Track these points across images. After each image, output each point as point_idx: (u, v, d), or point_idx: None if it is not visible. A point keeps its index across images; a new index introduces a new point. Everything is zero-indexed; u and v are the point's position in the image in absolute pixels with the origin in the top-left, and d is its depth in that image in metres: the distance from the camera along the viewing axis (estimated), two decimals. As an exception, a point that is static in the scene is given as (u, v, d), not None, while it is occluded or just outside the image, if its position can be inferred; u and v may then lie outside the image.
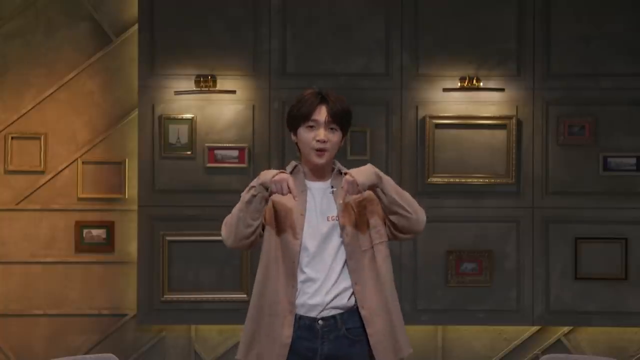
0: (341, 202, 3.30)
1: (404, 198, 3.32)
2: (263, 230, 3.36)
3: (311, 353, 3.32)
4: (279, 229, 3.36)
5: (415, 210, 3.33)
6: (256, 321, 3.36)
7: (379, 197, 3.29)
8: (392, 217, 3.31)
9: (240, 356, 3.39)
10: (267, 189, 3.24)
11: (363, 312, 3.33)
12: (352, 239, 3.34)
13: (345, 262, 3.34)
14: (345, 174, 3.28)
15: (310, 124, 3.34)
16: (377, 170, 3.29)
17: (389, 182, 3.29)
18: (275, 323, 3.32)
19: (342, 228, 3.34)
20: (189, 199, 5.84)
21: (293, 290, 3.32)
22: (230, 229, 3.32)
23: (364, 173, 3.25)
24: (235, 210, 3.32)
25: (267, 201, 3.28)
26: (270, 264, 3.35)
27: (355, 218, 3.36)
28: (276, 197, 3.34)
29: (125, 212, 6.00)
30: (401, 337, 3.38)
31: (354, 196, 3.31)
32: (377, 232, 3.37)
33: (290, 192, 3.23)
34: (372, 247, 3.35)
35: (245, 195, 3.28)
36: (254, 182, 3.28)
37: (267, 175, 3.26)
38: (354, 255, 3.34)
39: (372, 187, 3.26)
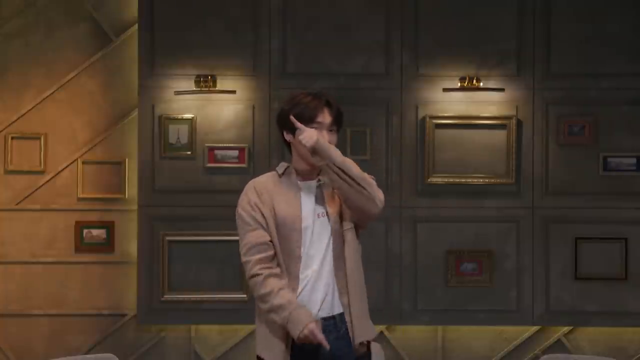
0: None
1: (357, 174, 3.32)
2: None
3: (313, 354, 3.34)
4: (280, 234, 3.38)
5: (369, 186, 3.33)
6: (263, 321, 3.40)
7: (329, 168, 3.31)
8: (342, 191, 3.33)
9: (258, 352, 3.44)
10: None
11: (343, 300, 3.37)
12: (338, 227, 3.39)
13: (335, 251, 3.38)
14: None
15: (314, 125, 3.37)
16: (331, 146, 3.33)
17: (338, 155, 3.32)
18: (277, 324, 3.34)
19: (330, 219, 3.38)
20: (189, 199, 5.84)
21: (294, 292, 3.34)
22: (256, 294, 3.36)
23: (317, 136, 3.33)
24: (267, 308, 3.33)
25: None
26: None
27: (339, 207, 3.41)
28: (278, 207, 3.37)
29: (125, 212, 6.00)
30: (368, 320, 3.46)
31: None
32: (346, 218, 3.41)
33: (320, 340, 3.26)
34: (343, 234, 3.40)
35: (276, 317, 3.32)
36: (282, 318, 3.29)
37: (295, 329, 3.26)
38: (337, 244, 3.39)
39: (318, 150, 3.30)
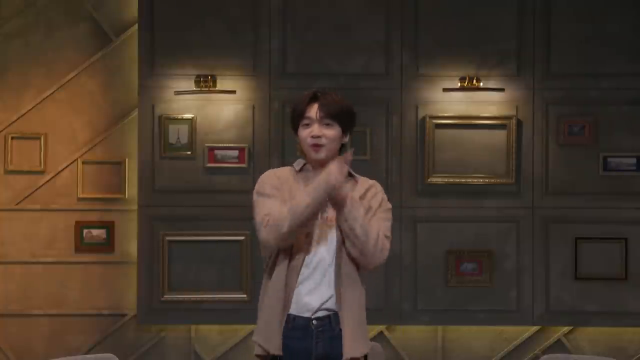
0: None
1: (364, 225, 3.28)
2: None
3: (306, 353, 3.34)
4: None
5: (371, 239, 3.30)
6: (264, 310, 3.38)
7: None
8: (347, 242, 3.31)
9: (255, 337, 3.42)
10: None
11: (341, 312, 3.34)
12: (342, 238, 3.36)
13: (337, 261, 3.35)
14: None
15: (305, 121, 3.39)
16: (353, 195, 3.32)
17: (357, 205, 3.30)
18: (273, 322, 3.33)
19: (338, 227, 3.35)
20: (189, 199, 5.84)
21: (292, 290, 3.33)
22: (289, 227, 3.25)
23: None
24: (299, 212, 3.24)
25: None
26: (279, 261, 3.35)
27: None
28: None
29: (125, 212, 6.00)
30: (363, 335, 3.40)
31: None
32: None
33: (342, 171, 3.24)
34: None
35: (312, 199, 3.25)
36: (316, 193, 3.24)
37: (323, 183, 3.24)
38: (342, 254, 3.35)
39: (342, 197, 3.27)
